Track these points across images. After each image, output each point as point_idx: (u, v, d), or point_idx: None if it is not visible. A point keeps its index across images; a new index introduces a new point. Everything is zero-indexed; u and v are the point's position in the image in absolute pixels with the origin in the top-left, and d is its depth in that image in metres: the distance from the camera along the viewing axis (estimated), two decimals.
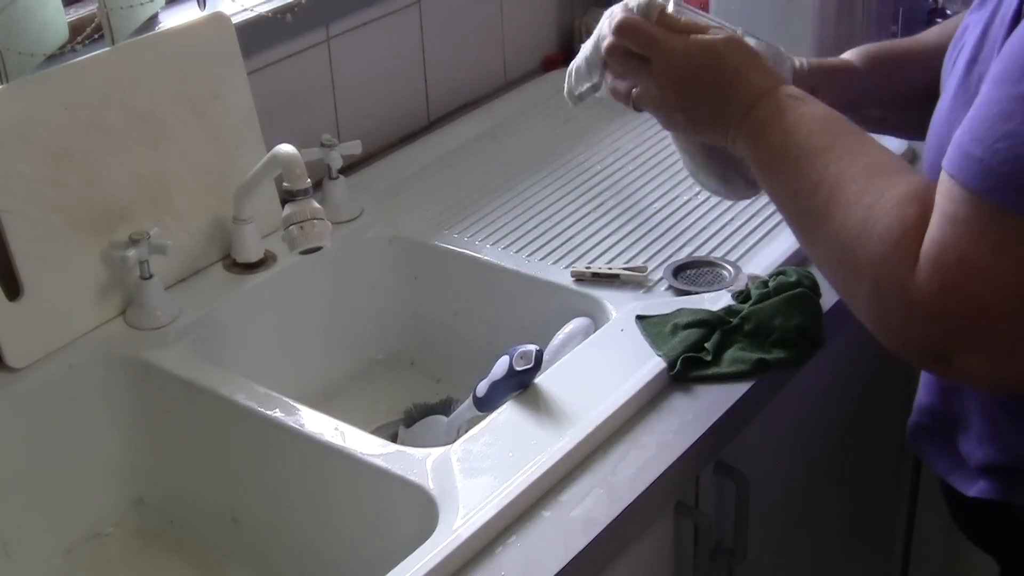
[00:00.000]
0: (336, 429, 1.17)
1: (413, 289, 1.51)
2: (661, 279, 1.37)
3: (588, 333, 1.30)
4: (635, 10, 1.11)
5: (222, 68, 1.42)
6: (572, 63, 1.20)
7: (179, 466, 1.31)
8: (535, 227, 1.49)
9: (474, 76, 1.85)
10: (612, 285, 1.36)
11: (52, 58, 1.31)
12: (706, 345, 1.23)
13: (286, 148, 1.28)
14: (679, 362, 1.21)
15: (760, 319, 1.25)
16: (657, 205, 1.53)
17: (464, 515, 1.03)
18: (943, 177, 0.90)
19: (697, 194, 1.55)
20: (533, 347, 1.18)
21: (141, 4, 1.35)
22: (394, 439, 1.35)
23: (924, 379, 1.16)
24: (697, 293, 1.33)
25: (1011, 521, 1.08)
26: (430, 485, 1.08)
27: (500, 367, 1.19)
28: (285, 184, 1.27)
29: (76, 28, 1.33)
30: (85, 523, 1.30)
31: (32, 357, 1.26)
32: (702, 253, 1.42)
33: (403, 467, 1.11)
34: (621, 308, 1.31)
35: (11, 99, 1.25)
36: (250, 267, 1.41)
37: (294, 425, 1.18)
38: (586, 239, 1.46)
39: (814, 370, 1.31)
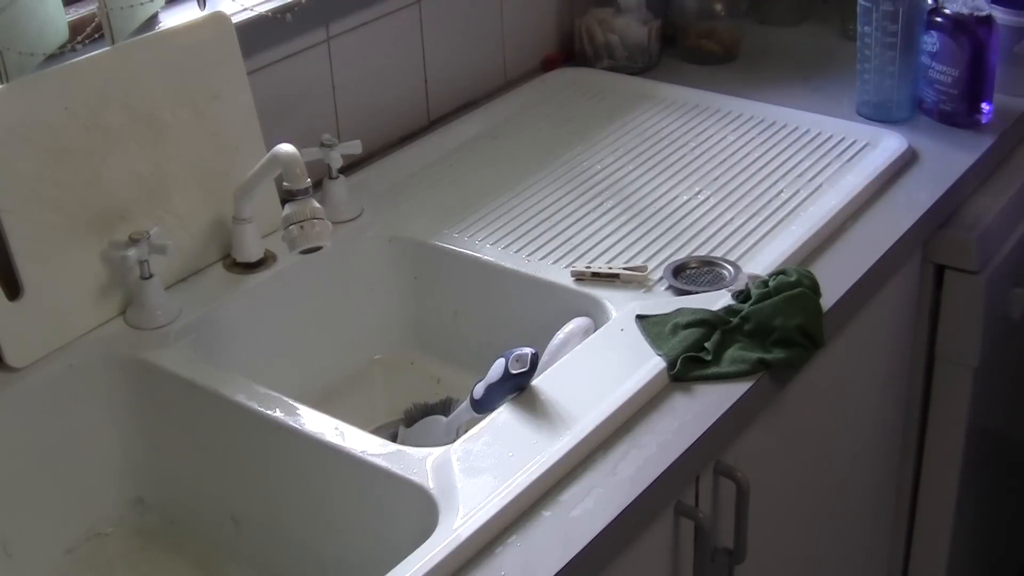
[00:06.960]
0: (336, 429, 1.17)
1: (413, 289, 1.51)
2: (661, 279, 1.37)
3: (588, 333, 1.30)
4: None
5: (222, 68, 1.42)
6: None
7: (179, 466, 1.31)
8: (535, 227, 1.49)
9: (474, 76, 1.85)
10: (612, 285, 1.36)
11: (52, 58, 1.30)
12: (706, 345, 1.23)
13: (286, 148, 1.28)
14: (679, 362, 1.21)
15: (760, 319, 1.25)
16: (657, 205, 1.53)
17: (464, 515, 1.03)
18: None
19: (697, 194, 1.55)
20: (529, 350, 1.18)
21: (141, 4, 1.35)
22: (394, 439, 1.35)
23: None
24: (697, 293, 1.33)
25: None
26: (430, 485, 1.08)
27: (496, 370, 1.19)
28: (285, 184, 1.27)
29: (76, 28, 1.33)
30: (85, 523, 1.30)
31: (32, 357, 1.26)
32: (702, 253, 1.42)
33: (403, 467, 1.11)
34: (621, 308, 1.31)
35: (11, 99, 1.25)
36: (250, 267, 1.41)
37: (294, 425, 1.18)
38: (586, 239, 1.46)
39: (814, 370, 1.32)
